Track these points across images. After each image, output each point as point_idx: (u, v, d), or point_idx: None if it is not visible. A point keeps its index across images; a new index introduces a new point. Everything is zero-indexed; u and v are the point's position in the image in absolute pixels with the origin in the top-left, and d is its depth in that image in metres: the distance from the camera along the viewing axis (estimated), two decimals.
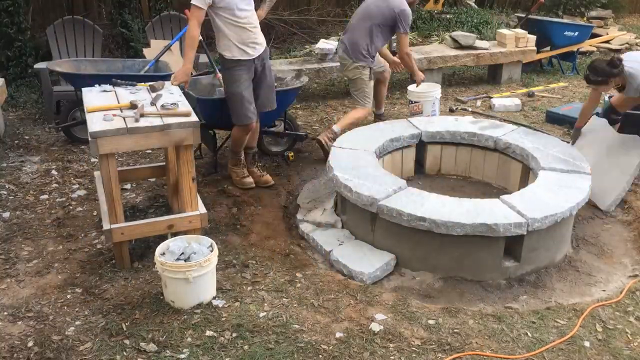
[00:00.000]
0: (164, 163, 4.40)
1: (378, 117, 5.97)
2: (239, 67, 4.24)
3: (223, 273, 3.55)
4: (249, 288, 3.43)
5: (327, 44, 7.02)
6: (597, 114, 4.94)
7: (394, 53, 7.06)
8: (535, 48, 7.62)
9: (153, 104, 3.68)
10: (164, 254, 3.27)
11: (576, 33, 7.82)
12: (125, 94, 3.92)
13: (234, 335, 3.03)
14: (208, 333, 3.03)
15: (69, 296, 3.35)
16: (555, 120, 6.09)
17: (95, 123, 3.37)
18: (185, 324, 3.10)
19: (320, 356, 2.89)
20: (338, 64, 6.75)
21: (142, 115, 3.48)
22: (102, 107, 3.60)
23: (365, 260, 3.58)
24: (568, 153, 4.22)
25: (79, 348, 2.94)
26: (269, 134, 5.22)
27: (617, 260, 3.79)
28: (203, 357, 2.88)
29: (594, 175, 3.98)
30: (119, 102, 3.72)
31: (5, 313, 3.20)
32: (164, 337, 3.00)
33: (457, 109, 6.52)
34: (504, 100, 6.62)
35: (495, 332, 3.07)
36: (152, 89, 3.98)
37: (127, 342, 2.97)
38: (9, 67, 6.84)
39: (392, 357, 2.89)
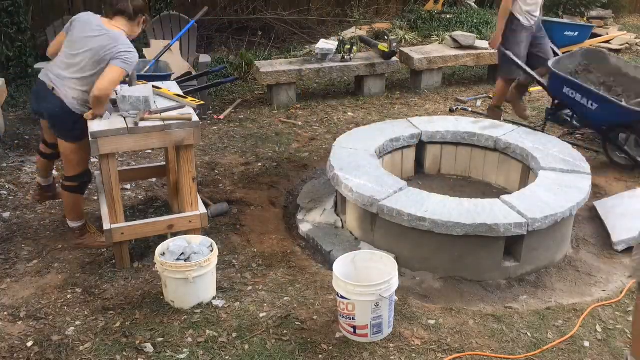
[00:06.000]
0: (164, 163, 4.40)
1: None
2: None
3: (223, 273, 3.55)
4: (249, 288, 3.43)
5: (327, 44, 7.00)
6: None
7: (393, 52, 7.08)
8: None
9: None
10: (164, 254, 3.27)
11: (576, 33, 7.82)
12: None
13: (234, 335, 3.03)
14: (208, 333, 3.03)
15: (69, 296, 3.36)
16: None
17: (95, 123, 3.37)
18: (186, 324, 3.10)
19: (320, 356, 2.89)
20: (338, 64, 6.77)
21: None
22: None
23: None
24: (568, 153, 4.22)
25: (79, 348, 2.94)
26: None
27: (617, 260, 3.78)
28: (203, 357, 2.88)
29: (620, 209, 4.03)
30: None
31: (5, 313, 3.20)
32: (164, 337, 3.01)
33: (457, 109, 6.52)
34: None
35: (495, 332, 3.07)
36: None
37: (127, 342, 2.97)
38: (9, 67, 6.83)
39: (392, 357, 2.89)
